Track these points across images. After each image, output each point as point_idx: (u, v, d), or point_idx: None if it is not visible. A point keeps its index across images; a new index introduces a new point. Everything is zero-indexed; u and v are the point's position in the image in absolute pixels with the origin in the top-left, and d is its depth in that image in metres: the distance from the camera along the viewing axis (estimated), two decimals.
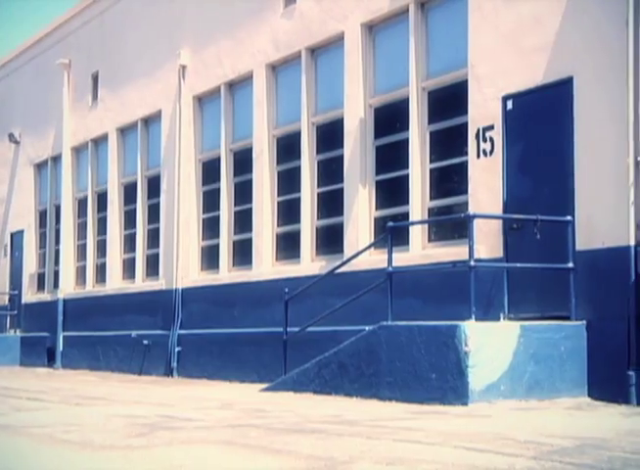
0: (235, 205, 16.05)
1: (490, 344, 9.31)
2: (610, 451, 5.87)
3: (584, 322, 9.83)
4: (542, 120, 10.55)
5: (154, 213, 18.25)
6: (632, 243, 9.37)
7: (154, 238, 18.21)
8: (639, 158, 9.39)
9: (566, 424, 7.81)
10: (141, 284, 18.44)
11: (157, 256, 17.96)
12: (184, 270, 16.89)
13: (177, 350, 16.61)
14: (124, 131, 19.52)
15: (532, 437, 6.62)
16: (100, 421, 8.16)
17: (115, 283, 19.35)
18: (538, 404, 9.27)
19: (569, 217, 9.98)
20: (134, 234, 18.84)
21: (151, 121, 18.57)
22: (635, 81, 9.44)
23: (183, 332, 16.66)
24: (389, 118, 12.95)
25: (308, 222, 14.15)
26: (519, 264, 10.30)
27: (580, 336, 9.78)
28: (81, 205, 21.17)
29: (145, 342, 17.49)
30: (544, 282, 10.34)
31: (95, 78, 20.49)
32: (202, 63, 16.71)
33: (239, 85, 16.01)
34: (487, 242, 10.89)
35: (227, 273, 15.91)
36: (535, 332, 9.60)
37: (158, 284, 17.62)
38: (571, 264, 9.91)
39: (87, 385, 14.81)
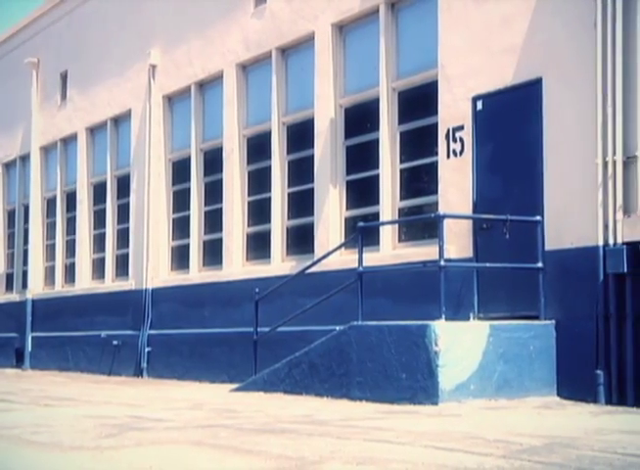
0: (205, 204, 16.01)
1: (460, 343, 9.34)
2: (578, 450, 5.91)
3: (553, 322, 9.89)
4: (512, 121, 10.61)
5: (123, 213, 18.16)
6: (601, 243, 9.44)
7: (123, 238, 18.12)
8: (607, 158, 9.46)
9: (535, 423, 7.85)
10: (111, 284, 18.35)
11: (126, 256, 17.88)
12: (154, 270, 16.82)
13: (147, 350, 16.55)
14: (94, 131, 19.40)
15: (502, 436, 6.65)
16: (69, 422, 8.11)
17: (85, 283, 19.24)
18: (508, 404, 9.32)
19: (538, 217, 10.04)
20: (104, 234, 18.74)
21: (120, 121, 18.48)
22: (603, 82, 9.52)
23: (153, 332, 16.60)
24: (360, 119, 12.97)
25: (279, 222, 14.14)
26: (488, 264, 10.35)
27: (549, 335, 9.84)
28: (50, 204, 21.03)
29: (115, 342, 17.41)
30: (514, 282, 10.39)
31: (64, 78, 20.36)
32: (172, 62, 16.65)
33: (209, 85, 15.98)
34: (457, 242, 10.93)
35: (197, 273, 15.87)
36: (505, 331, 9.64)
37: (127, 284, 17.54)
38: (540, 264, 9.97)
39: (56, 386, 14.71)
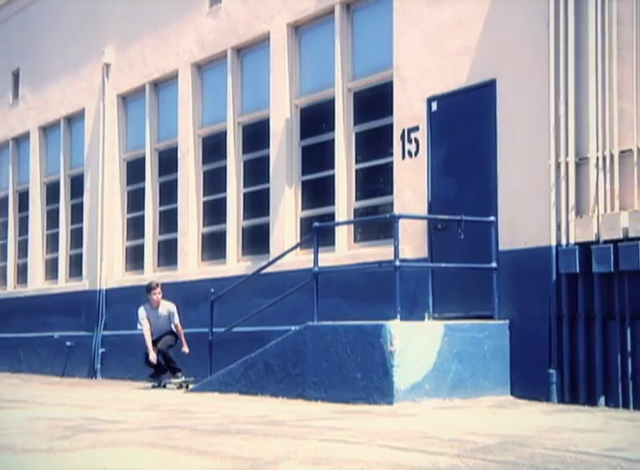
0: (160, 204, 15.93)
1: (415, 343, 9.38)
2: (531, 448, 5.97)
3: (507, 321, 9.97)
4: (466, 122, 10.68)
5: (77, 213, 18.01)
6: (554, 243, 9.54)
7: (77, 238, 17.97)
8: (560, 160, 9.56)
9: (489, 422, 7.91)
10: (64, 285, 18.19)
11: (80, 256, 17.72)
12: (108, 271, 16.70)
13: (101, 351, 16.44)
14: (47, 130, 19.21)
15: (456, 435, 6.69)
16: (22, 424, 8.02)
17: (38, 284, 19.04)
18: (462, 403, 9.38)
19: (492, 218, 10.12)
20: (57, 234, 18.56)
21: (74, 120, 18.33)
22: (556, 84, 9.61)
23: (107, 333, 16.48)
24: (315, 119, 12.98)
25: (234, 222, 14.11)
26: (443, 264, 10.41)
27: (503, 335, 9.92)
28: (2, 204, 20.77)
29: (68, 343, 17.26)
30: (468, 282, 10.46)
31: (16, 76, 20.13)
32: (126, 61, 16.54)
33: (164, 84, 15.89)
34: (412, 242, 10.98)
35: (152, 273, 15.77)
36: (459, 331, 9.71)
37: (81, 285, 17.39)
38: (494, 264, 10.04)
39: (8, 387, 14.53)
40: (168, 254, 15.53)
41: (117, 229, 16.72)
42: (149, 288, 13.74)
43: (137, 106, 16.50)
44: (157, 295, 13.67)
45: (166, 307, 13.70)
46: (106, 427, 7.68)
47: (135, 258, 16.39)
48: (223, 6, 14.37)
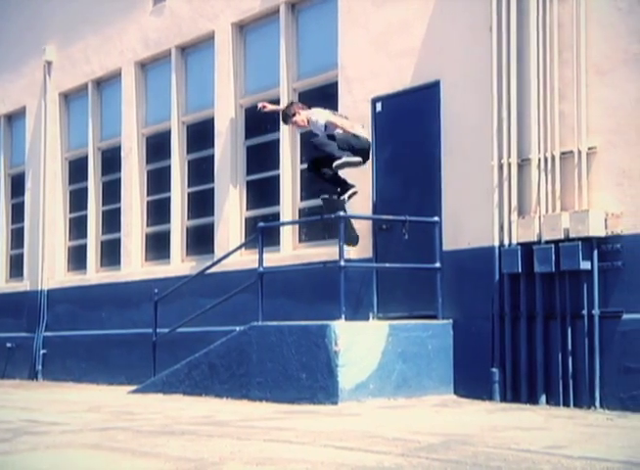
0: (103, 204, 15.79)
1: (360, 343, 9.41)
2: (474, 447, 6.02)
3: (451, 321, 10.05)
4: (411, 123, 10.74)
5: (18, 213, 17.77)
6: (496, 243, 9.63)
7: (18, 238, 17.73)
8: (503, 161, 9.66)
9: (432, 421, 7.97)
10: (4, 285, 17.94)
11: (21, 256, 17.49)
12: (50, 271, 16.51)
13: (42, 352, 16.23)
14: None
15: (400, 434, 6.73)
16: None
17: None
18: (406, 402, 9.43)
19: (436, 218, 10.18)
20: None
21: (14, 118, 18.09)
22: (499, 86, 9.71)
23: (49, 334, 16.28)
24: (260, 119, 12.93)
25: (178, 222, 14.03)
26: (387, 264, 10.46)
27: (447, 334, 10.00)
28: None
29: (8, 344, 17.02)
30: (412, 282, 10.52)
31: None
32: (68, 59, 16.36)
33: (107, 83, 15.75)
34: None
35: (95, 274, 15.63)
36: (403, 331, 9.76)
37: (22, 285, 17.16)
38: (437, 264, 10.11)
39: None
40: (111, 254, 15.39)
41: (59, 229, 16.53)
42: (285, 115, 10.85)
43: (80, 104, 16.32)
44: (298, 116, 10.70)
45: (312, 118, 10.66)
46: (47, 429, 7.58)
47: (77, 258, 16.22)
48: (167, 4, 14.28)
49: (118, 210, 15.14)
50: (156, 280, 13.68)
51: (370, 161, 10.99)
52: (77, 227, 16.30)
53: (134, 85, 14.94)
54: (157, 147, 14.69)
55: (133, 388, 12.11)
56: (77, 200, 16.30)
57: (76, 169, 16.39)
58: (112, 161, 15.51)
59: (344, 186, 10.58)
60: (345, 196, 10.55)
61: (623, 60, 8.84)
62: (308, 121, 10.59)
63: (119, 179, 15.15)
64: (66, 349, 15.66)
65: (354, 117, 11.25)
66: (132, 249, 14.75)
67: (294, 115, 10.67)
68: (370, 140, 10.58)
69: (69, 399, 11.59)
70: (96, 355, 14.92)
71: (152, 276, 14.06)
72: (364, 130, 10.57)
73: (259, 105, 11.50)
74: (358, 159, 10.32)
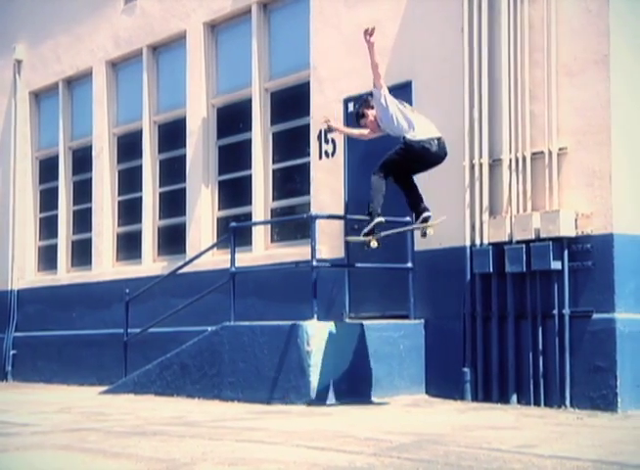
0: (74, 204, 15.69)
1: (332, 343, 9.41)
2: (446, 446, 6.04)
3: (422, 321, 10.08)
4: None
5: None
6: (468, 243, 9.67)
7: None
8: (474, 161, 9.70)
9: (404, 421, 7.99)
10: None
11: None
12: (20, 271, 16.39)
13: (12, 353, 16.11)
14: None
15: (372, 434, 6.74)
16: None
17: None
18: (378, 402, 9.45)
19: (408, 218, 10.20)
20: None
21: None
22: (470, 87, 9.75)
23: (19, 334, 16.16)
24: (232, 119, 12.93)
25: (150, 222, 13.98)
26: (359, 265, 10.46)
27: (418, 334, 10.03)
28: None
29: None
30: (384, 282, 10.54)
31: None
32: (38, 58, 16.25)
33: (78, 82, 15.66)
34: (329, 242, 11.02)
35: (65, 274, 15.54)
36: (375, 331, 9.77)
37: None
38: (409, 264, 10.14)
39: None
40: (82, 254, 15.30)
41: (30, 228, 16.42)
42: (358, 114, 9.19)
43: (50, 103, 16.22)
44: (368, 117, 9.07)
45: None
46: (17, 430, 7.53)
47: (48, 258, 16.12)
48: (139, 4, 14.22)
49: (89, 209, 15.06)
50: (127, 280, 13.62)
51: (343, 160, 11.01)
52: (48, 227, 16.19)
53: (105, 84, 14.87)
54: (128, 146, 14.62)
55: (104, 388, 12.04)
56: (48, 199, 16.19)
57: (47, 169, 16.28)
58: (82, 160, 15.42)
59: (418, 208, 8.83)
60: (419, 225, 8.78)
61: (594, 61, 8.91)
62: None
63: (90, 179, 15.07)
64: (36, 349, 15.55)
65: (327, 116, 11.25)
66: (103, 249, 14.68)
67: (363, 115, 9.07)
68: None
69: (40, 400, 11.51)
70: (67, 356, 14.83)
71: (123, 276, 13.99)
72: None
73: (323, 120, 9.82)
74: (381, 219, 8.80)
